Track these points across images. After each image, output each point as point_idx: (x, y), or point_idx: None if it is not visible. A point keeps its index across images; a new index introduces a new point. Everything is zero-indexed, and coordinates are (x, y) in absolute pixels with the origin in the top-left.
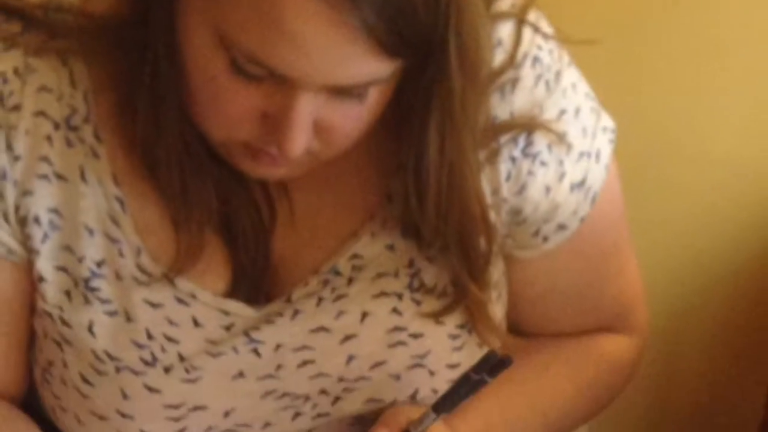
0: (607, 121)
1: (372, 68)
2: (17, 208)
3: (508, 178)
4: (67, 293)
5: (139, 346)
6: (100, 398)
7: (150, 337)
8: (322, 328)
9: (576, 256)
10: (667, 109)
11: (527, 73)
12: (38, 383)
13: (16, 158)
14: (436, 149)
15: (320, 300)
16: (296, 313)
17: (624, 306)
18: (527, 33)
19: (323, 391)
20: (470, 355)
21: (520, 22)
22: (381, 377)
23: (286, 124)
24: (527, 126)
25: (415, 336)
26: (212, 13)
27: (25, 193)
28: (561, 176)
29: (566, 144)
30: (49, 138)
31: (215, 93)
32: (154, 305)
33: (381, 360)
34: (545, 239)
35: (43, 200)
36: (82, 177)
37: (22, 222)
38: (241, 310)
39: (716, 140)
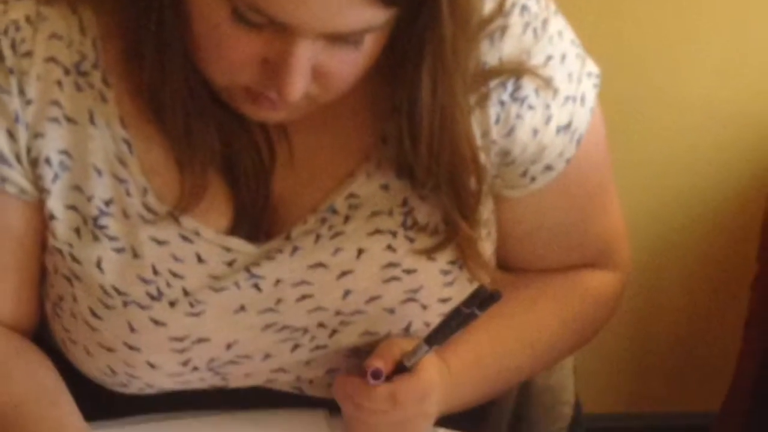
0: (591, 66)
1: (368, 16)
2: (29, 150)
3: (497, 121)
4: (77, 231)
5: (146, 281)
6: (108, 331)
7: (156, 272)
8: (320, 264)
9: (562, 195)
10: (649, 55)
11: (515, 21)
12: (49, 317)
13: (28, 102)
14: (429, 93)
15: (318, 237)
16: (295, 249)
17: (607, 243)
18: None
19: (321, 324)
20: (461, 290)
21: None
22: (376, 311)
23: (285, 70)
24: (515, 71)
25: (409, 272)
26: None
27: (37, 135)
28: (548, 119)
29: (553, 88)
30: (59, 83)
31: (218, 40)
32: (160, 242)
33: (376, 294)
34: (533, 179)
35: (53, 142)
36: (91, 120)
37: (34, 163)
38: (242, 247)
39: (695, 84)
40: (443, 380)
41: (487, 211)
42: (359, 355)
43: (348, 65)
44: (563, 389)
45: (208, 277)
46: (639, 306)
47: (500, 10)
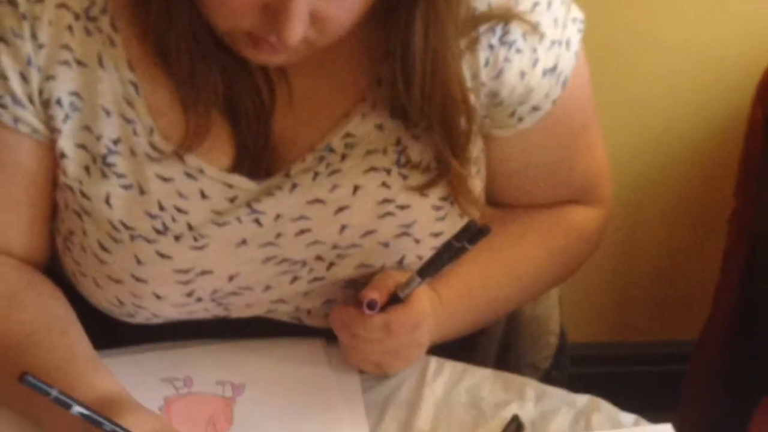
0: (576, 12)
1: None
2: (41, 92)
3: (486, 64)
4: (86, 168)
5: (152, 216)
6: (116, 264)
7: (161, 208)
8: (318, 200)
9: (548, 134)
10: (630, 1)
11: None
12: (60, 251)
13: (40, 46)
14: (421, 38)
15: (316, 175)
16: (294, 186)
17: (591, 180)
18: None
19: (319, 257)
20: (452, 224)
21: None
22: (371, 245)
23: (284, 15)
24: (504, 17)
25: (402, 207)
26: None
27: (48, 77)
28: (534, 62)
29: (539, 33)
30: (70, 28)
31: None
32: (165, 179)
33: (371, 229)
34: (520, 119)
35: (64, 84)
36: (100, 63)
37: (46, 104)
38: (244, 184)
39: (674, 29)
40: (435, 311)
41: (476, 149)
42: (355, 287)
43: (345, 10)
44: (549, 319)
45: (211, 213)
46: (621, 240)
47: None
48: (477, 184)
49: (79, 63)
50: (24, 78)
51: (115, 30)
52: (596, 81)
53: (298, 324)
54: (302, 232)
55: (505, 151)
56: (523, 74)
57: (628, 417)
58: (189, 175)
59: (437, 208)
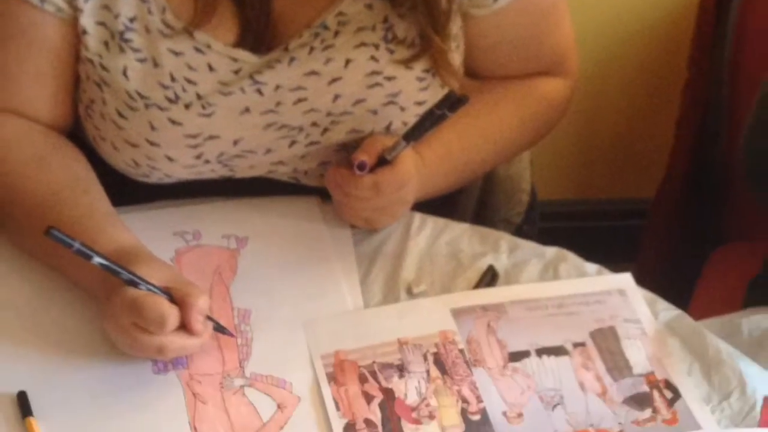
0: None
1: None
2: None
3: None
4: (105, 44)
5: (164, 87)
6: (132, 129)
7: (173, 79)
8: (313, 72)
9: (521, 13)
10: None
11: None
12: (82, 118)
13: None
14: None
15: (312, 49)
16: (292, 60)
17: (560, 54)
18: None
19: (314, 124)
20: (434, 94)
21: None
22: (361, 112)
23: None
24: None
25: (389, 78)
26: None
27: None
28: None
29: None
30: None
31: None
32: (177, 53)
33: (361, 98)
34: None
35: None
36: None
37: None
38: (247, 57)
39: None
40: (418, 171)
41: (456, 26)
42: (347, 150)
43: None
44: (521, 179)
45: (217, 84)
46: (585, 108)
47: None
48: (456, 58)
49: None
50: None
51: None
52: None
53: (295, 183)
54: (299, 101)
55: (481, 29)
56: None
57: (591, 267)
58: (198, 50)
59: (420, 80)
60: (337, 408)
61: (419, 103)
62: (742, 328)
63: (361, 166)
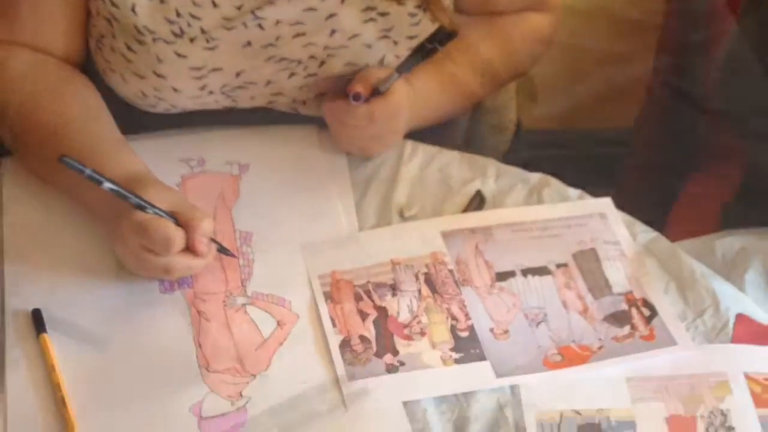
0: None
1: None
2: None
3: None
4: None
5: (170, 21)
6: (140, 62)
7: (179, 15)
8: (311, 8)
9: None
10: None
11: None
12: (93, 51)
13: None
14: None
15: None
16: None
17: None
18: None
19: (312, 57)
20: (425, 29)
21: None
22: (356, 46)
23: None
24: None
25: (383, 14)
26: None
27: None
28: None
29: None
30: None
31: None
32: None
33: (356, 32)
34: None
35: None
36: None
37: None
38: None
39: None
40: (410, 102)
41: None
42: (343, 82)
43: None
44: (507, 109)
45: (221, 19)
46: (569, 43)
47: None
48: None
49: None
50: None
51: None
52: None
53: (294, 113)
54: (298, 35)
55: None
56: None
57: (574, 192)
58: None
59: (412, 15)
60: (334, 325)
61: (411, 38)
62: (716, 250)
63: (356, 97)
